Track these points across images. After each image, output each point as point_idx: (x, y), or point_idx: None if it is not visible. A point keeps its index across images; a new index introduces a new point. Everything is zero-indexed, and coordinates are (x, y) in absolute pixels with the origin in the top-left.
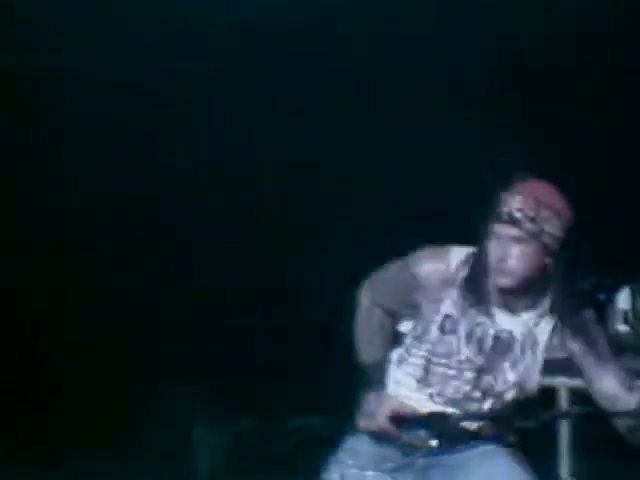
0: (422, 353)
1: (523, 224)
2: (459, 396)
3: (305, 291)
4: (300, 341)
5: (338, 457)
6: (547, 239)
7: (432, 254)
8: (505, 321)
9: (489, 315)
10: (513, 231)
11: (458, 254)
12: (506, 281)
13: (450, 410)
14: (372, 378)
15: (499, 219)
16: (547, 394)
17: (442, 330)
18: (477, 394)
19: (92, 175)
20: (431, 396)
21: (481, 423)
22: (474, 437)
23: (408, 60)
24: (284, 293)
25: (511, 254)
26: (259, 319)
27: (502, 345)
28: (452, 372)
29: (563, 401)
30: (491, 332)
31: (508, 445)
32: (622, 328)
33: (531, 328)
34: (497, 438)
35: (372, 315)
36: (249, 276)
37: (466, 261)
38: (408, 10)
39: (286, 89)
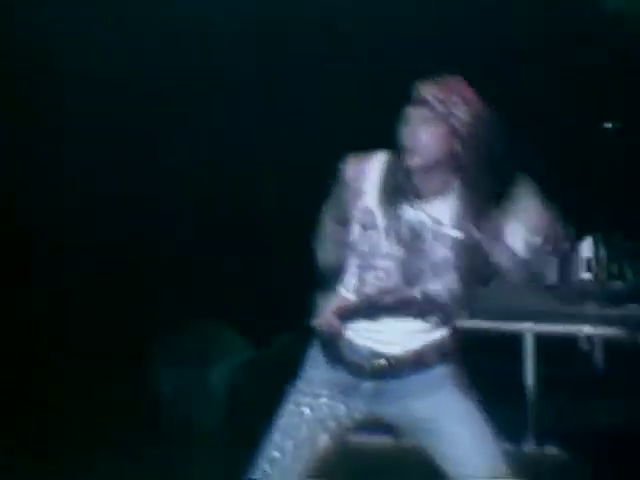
0: (354, 261)
1: (432, 105)
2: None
3: None
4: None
5: (296, 386)
6: (455, 122)
7: (356, 158)
8: (418, 210)
9: (404, 206)
10: (423, 112)
11: (380, 156)
12: (416, 160)
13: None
14: (327, 282)
15: (412, 103)
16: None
17: (363, 226)
18: (405, 288)
19: None
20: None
21: (425, 345)
22: (419, 362)
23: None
24: None
25: (421, 134)
26: None
27: (417, 234)
28: (380, 274)
29: (529, 344)
30: (407, 222)
31: (453, 371)
32: (585, 276)
33: (441, 214)
34: (442, 363)
35: (325, 225)
36: None
37: (387, 160)
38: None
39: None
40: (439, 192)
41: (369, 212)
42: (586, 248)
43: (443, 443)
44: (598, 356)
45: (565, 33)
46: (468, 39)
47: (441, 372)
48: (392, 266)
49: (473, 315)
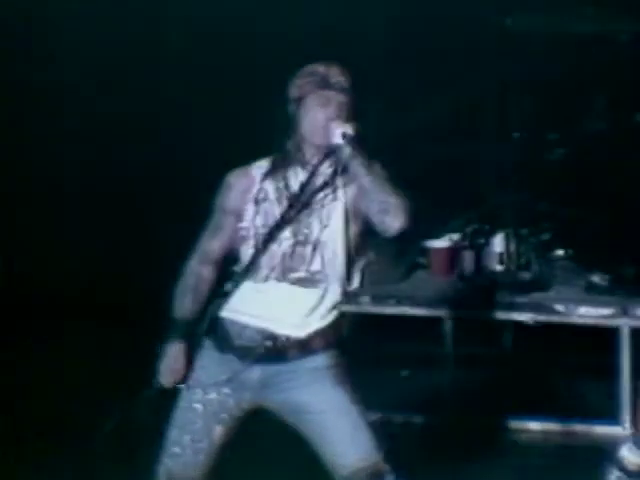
0: (251, 242)
1: (348, 93)
2: (289, 263)
3: None
4: None
5: (187, 385)
6: (347, 96)
7: (234, 174)
8: (302, 176)
9: (290, 175)
10: (342, 98)
11: (259, 162)
12: (316, 139)
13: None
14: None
15: (326, 86)
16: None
17: (256, 202)
18: (300, 249)
19: None
20: (266, 277)
21: (313, 330)
22: (306, 347)
23: None
24: None
25: (342, 116)
26: None
27: (305, 196)
28: (274, 244)
29: (449, 328)
30: (294, 187)
31: (337, 360)
32: (498, 268)
33: (325, 177)
34: (327, 350)
35: (189, 274)
36: None
37: (268, 161)
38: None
39: None
40: (321, 158)
41: (261, 190)
42: (498, 243)
43: (324, 433)
44: (508, 337)
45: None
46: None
47: (325, 360)
48: (286, 232)
49: (400, 302)
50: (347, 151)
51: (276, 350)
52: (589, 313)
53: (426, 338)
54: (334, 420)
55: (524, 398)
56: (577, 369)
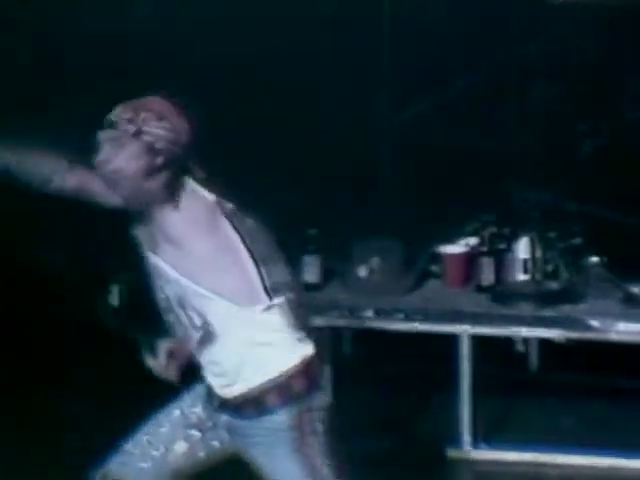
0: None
1: (120, 125)
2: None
3: None
4: None
5: (181, 392)
6: (149, 138)
7: None
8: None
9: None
10: (112, 133)
11: None
12: (116, 180)
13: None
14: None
15: (101, 126)
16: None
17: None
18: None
19: None
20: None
21: (262, 384)
22: (258, 405)
23: None
24: None
25: (114, 155)
26: None
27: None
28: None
29: (465, 347)
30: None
31: (297, 420)
32: (521, 277)
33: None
34: (284, 407)
35: None
36: None
37: None
38: None
39: None
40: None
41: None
42: (522, 249)
43: None
44: (533, 357)
45: None
46: None
47: (286, 420)
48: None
49: (408, 317)
50: None
51: (231, 406)
52: (628, 329)
53: (438, 358)
54: None
55: (554, 427)
56: (615, 393)
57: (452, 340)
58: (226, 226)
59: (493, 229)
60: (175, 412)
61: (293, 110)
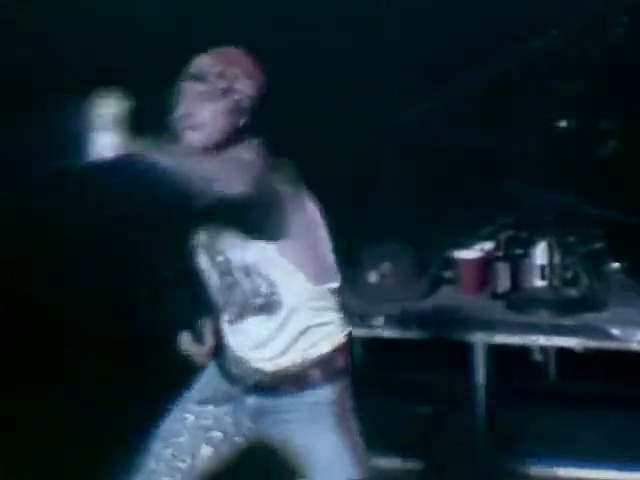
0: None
1: (210, 80)
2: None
3: None
4: None
5: (185, 393)
6: (237, 96)
7: None
8: None
9: None
10: (199, 86)
11: None
12: (196, 137)
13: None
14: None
15: (185, 77)
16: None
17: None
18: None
19: None
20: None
21: (306, 361)
22: (300, 381)
23: None
24: None
25: (199, 110)
26: None
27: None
28: (215, 279)
29: (480, 356)
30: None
31: (337, 396)
32: (539, 283)
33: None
34: (326, 384)
35: None
36: None
37: None
38: None
39: None
40: None
41: None
42: (540, 254)
43: (313, 474)
44: (551, 367)
45: None
46: None
47: (327, 395)
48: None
49: (420, 325)
50: None
51: (268, 383)
52: None
53: (452, 368)
54: (327, 463)
55: (572, 439)
56: (636, 404)
57: (467, 349)
58: (309, 201)
59: (510, 233)
60: (188, 417)
61: (293, 110)
